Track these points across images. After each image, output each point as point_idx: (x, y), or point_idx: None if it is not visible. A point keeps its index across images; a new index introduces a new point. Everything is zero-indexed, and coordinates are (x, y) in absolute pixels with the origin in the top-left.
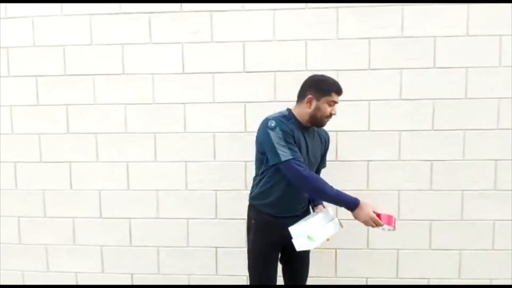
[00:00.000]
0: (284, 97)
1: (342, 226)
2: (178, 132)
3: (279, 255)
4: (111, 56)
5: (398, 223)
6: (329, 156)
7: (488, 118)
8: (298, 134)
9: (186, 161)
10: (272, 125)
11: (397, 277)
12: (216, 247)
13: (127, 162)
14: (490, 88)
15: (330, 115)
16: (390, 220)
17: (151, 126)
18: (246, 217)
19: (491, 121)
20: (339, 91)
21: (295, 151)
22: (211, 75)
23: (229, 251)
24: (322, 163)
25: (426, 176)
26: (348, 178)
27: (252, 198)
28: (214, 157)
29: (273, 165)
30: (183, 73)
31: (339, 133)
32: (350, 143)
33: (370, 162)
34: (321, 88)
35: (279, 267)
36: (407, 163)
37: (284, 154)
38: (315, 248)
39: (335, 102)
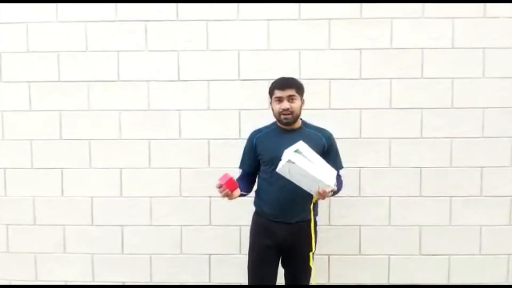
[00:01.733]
0: None
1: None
2: (172, 138)
3: (280, 259)
4: (106, 63)
5: (389, 229)
6: None
7: (474, 126)
8: (270, 138)
9: (180, 168)
10: (249, 135)
11: (388, 282)
12: (209, 254)
13: (120, 168)
14: (475, 98)
15: (283, 110)
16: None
17: (145, 133)
18: (240, 224)
19: (477, 130)
20: (280, 86)
21: (242, 161)
22: (206, 82)
23: (223, 258)
24: (330, 164)
25: (415, 183)
26: None
27: (254, 201)
28: (209, 163)
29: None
30: (179, 80)
31: None
32: (342, 150)
33: (361, 169)
34: (269, 92)
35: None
36: (397, 170)
37: (240, 162)
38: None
39: (281, 97)
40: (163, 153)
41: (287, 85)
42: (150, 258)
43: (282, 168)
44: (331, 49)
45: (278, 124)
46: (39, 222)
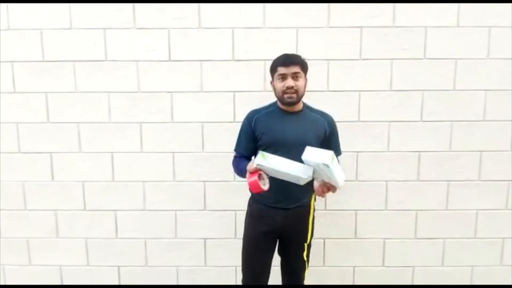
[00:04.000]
0: None
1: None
2: (165, 122)
3: (276, 246)
4: (92, 41)
5: (385, 213)
6: None
7: (475, 110)
8: (270, 120)
9: (173, 152)
10: (246, 114)
11: (383, 265)
12: (204, 239)
13: (111, 152)
14: (477, 80)
15: (287, 88)
16: (253, 187)
17: (136, 116)
18: (235, 208)
19: (478, 113)
20: (284, 63)
21: (237, 143)
22: (199, 63)
23: (218, 243)
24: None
25: (413, 167)
26: None
27: None
28: (203, 147)
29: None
30: (169, 60)
31: None
32: (340, 134)
33: (359, 153)
34: (270, 69)
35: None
36: (395, 154)
37: (236, 144)
38: None
39: (284, 74)
40: (155, 137)
41: (291, 62)
42: (145, 242)
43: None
44: (330, 27)
45: (279, 105)
46: (30, 207)
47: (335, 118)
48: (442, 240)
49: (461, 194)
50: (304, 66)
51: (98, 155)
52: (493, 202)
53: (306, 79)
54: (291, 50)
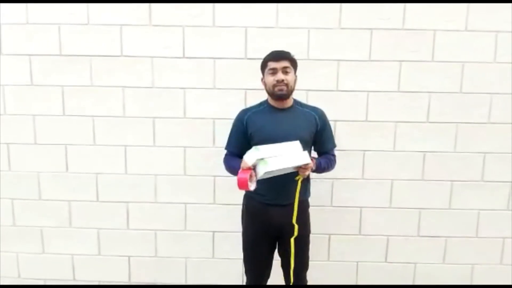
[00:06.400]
0: None
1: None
2: (177, 117)
3: (275, 242)
4: (109, 37)
5: (389, 211)
6: None
7: (480, 112)
8: (262, 117)
9: (185, 147)
10: (237, 114)
11: (385, 261)
12: (213, 231)
13: (125, 146)
14: (483, 84)
15: (277, 82)
16: (241, 183)
17: (150, 111)
18: (243, 202)
19: (483, 116)
20: (274, 58)
21: (228, 141)
22: (212, 60)
23: (226, 236)
24: (325, 143)
25: (418, 167)
26: (344, 166)
27: None
28: (214, 143)
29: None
30: (184, 57)
31: (337, 122)
32: (348, 133)
33: (366, 152)
34: (261, 66)
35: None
36: (401, 153)
37: (227, 143)
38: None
39: (275, 69)
40: (167, 132)
41: (281, 57)
42: (155, 234)
43: (261, 177)
44: (341, 28)
45: (270, 102)
46: (44, 197)
47: (343, 117)
48: (444, 238)
49: (464, 194)
50: (293, 62)
51: (112, 148)
52: (495, 202)
53: (296, 76)
54: (302, 50)
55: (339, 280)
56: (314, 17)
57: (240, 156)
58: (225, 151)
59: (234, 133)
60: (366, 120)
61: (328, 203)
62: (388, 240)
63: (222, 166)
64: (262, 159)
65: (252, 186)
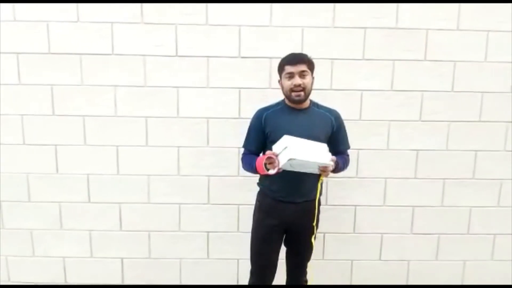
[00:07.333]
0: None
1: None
2: (170, 116)
3: (283, 237)
4: (99, 35)
5: (383, 209)
6: None
7: (472, 111)
8: (279, 117)
9: (178, 146)
10: (255, 112)
11: (379, 259)
12: (207, 232)
13: (117, 146)
14: (475, 82)
15: (295, 86)
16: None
17: (142, 110)
18: (238, 202)
19: (474, 114)
20: (291, 61)
21: (247, 140)
22: (206, 59)
23: (221, 236)
24: (340, 144)
25: (411, 165)
26: None
27: (258, 181)
28: (208, 142)
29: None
30: (176, 55)
31: None
32: None
33: (360, 151)
34: (278, 68)
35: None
36: (394, 152)
37: (245, 141)
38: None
39: (292, 73)
40: (160, 131)
41: (298, 60)
42: (149, 234)
43: (283, 166)
44: (335, 27)
45: (287, 102)
46: (34, 199)
47: None
48: (437, 235)
49: (456, 191)
50: (310, 65)
51: (103, 148)
52: (486, 199)
53: (313, 77)
54: (296, 49)
55: (333, 277)
56: (308, 16)
57: (258, 154)
58: (242, 150)
59: (252, 131)
60: (360, 119)
61: (323, 201)
62: (382, 237)
63: (216, 166)
64: (286, 147)
65: (272, 171)
